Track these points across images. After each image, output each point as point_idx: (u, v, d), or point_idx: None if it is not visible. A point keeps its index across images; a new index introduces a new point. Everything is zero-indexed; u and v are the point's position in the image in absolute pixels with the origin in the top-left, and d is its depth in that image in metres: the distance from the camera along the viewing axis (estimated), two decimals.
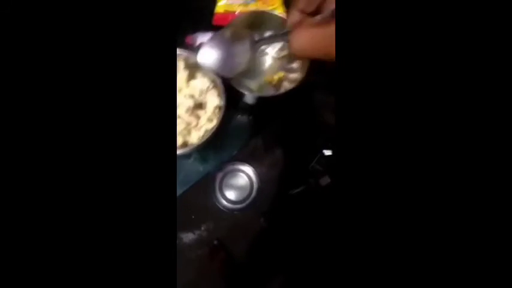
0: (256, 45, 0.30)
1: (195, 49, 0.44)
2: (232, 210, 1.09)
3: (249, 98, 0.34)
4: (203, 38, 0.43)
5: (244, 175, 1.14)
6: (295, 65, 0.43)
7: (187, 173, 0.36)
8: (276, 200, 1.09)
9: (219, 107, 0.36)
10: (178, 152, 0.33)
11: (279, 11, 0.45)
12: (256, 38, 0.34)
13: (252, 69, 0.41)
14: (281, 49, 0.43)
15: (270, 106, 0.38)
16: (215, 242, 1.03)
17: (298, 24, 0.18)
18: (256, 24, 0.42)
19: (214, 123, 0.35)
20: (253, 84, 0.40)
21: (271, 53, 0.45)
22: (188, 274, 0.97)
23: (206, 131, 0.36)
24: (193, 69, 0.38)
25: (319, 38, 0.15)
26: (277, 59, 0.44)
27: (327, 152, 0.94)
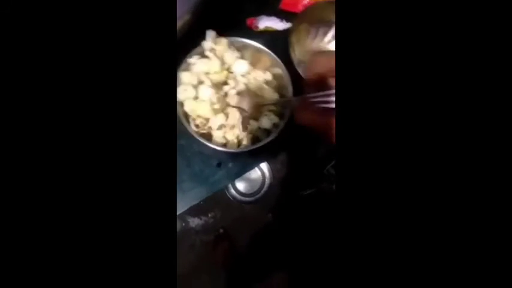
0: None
1: (254, 33, 0.40)
2: (241, 201, 1.08)
3: None
4: (267, 22, 0.39)
5: (258, 169, 1.12)
6: None
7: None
8: (286, 198, 1.08)
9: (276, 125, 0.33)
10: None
11: None
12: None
13: None
14: None
15: None
16: (221, 231, 1.03)
17: (305, 102, 0.20)
18: (328, 15, 0.38)
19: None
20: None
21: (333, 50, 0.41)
22: (190, 258, 0.98)
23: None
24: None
25: (320, 125, 0.18)
26: None
27: None
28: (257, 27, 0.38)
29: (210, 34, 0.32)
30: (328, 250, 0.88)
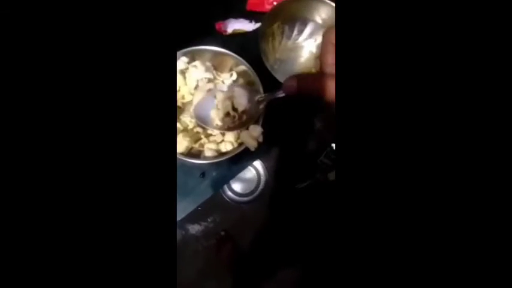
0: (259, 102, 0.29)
1: (225, 37, 0.40)
2: (239, 202, 1.08)
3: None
4: (235, 24, 0.39)
5: (252, 168, 1.12)
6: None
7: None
8: (283, 194, 1.09)
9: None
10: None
11: None
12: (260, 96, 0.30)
13: (287, 61, 0.37)
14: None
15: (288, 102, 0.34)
16: (222, 233, 1.03)
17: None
18: (302, 11, 0.38)
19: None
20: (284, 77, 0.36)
21: (309, 47, 0.40)
22: (195, 264, 0.98)
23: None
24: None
25: (313, 88, 0.18)
26: (315, 55, 0.40)
27: None
28: (226, 31, 0.38)
29: (182, 59, 0.32)
30: (329, 241, 0.89)
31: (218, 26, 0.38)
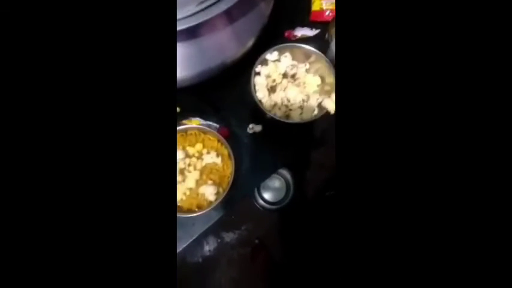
0: None
1: (292, 41, 0.50)
2: (270, 210, 1.10)
3: None
4: (301, 31, 0.50)
5: (281, 177, 1.16)
6: None
7: None
8: (313, 202, 1.11)
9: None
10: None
11: None
12: None
13: None
14: None
15: None
16: (256, 241, 1.03)
17: None
18: None
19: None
20: None
21: None
22: (231, 273, 0.96)
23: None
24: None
25: None
26: None
27: None
28: (295, 36, 0.48)
29: (274, 53, 0.43)
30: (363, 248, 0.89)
31: (288, 33, 0.49)
